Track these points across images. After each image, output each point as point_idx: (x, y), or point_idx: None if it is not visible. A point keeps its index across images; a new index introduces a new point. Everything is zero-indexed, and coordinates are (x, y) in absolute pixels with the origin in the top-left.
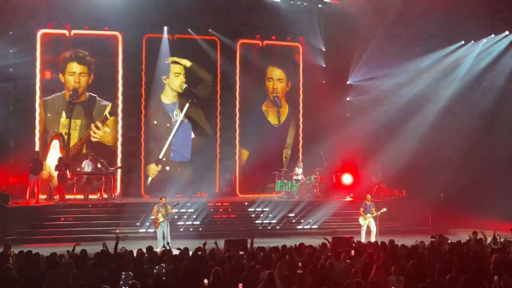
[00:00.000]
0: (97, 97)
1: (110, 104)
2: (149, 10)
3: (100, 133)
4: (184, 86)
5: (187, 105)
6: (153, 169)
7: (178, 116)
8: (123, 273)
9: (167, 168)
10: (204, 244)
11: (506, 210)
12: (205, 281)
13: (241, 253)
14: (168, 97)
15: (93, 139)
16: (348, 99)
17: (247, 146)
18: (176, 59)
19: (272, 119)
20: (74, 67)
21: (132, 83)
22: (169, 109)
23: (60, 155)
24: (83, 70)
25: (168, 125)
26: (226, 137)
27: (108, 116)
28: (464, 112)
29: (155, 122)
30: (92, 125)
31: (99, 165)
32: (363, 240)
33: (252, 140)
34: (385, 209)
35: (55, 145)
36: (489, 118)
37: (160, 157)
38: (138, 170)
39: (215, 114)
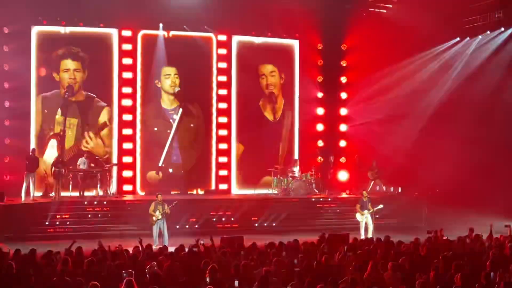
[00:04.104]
0: (95, 97)
1: (107, 107)
2: (144, 6)
3: (92, 144)
4: (177, 89)
5: (181, 110)
6: (154, 178)
7: (176, 121)
8: (124, 271)
9: (170, 170)
10: (197, 241)
11: (502, 207)
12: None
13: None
14: (166, 103)
15: (84, 149)
16: (342, 95)
17: (243, 142)
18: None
19: (269, 115)
20: (68, 63)
21: (128, 81)
22: (169, 115)
23: (57, 153)
24: (77, 66)
25: (168, 131)
26: (222, 134)
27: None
28: (460, 108)
29: (156, 129)
30: (85, 133)
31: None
32: (362, 237)
33: (248, 136)
34: (381, 206)
35: (52, 144)
36: (486, 115)
37: (160, 164)
38: (133, 167)
39: (211, 111)
